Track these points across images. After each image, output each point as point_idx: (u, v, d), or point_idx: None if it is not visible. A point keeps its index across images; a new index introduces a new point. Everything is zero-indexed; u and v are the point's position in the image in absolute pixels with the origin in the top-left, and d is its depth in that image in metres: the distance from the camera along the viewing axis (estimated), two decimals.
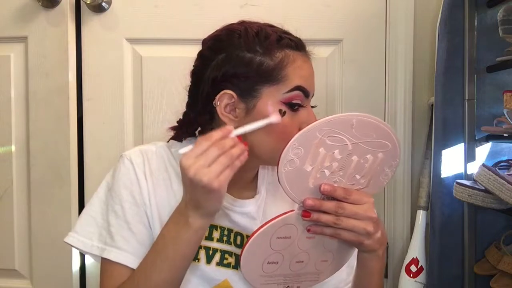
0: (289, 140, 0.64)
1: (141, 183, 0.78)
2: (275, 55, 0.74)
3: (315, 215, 0.68)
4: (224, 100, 0.74)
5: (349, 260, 0.79)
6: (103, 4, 1.24)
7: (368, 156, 0.68)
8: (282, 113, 0.73)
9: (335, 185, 0.68)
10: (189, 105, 0.82)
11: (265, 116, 0.73)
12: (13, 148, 1.27)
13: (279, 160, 0.65)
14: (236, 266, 0.81)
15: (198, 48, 0.81)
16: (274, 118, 0.72)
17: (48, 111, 1.25)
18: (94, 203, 0.81)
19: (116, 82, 1.27)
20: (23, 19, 1.24)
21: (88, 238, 0.78)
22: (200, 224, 0.68)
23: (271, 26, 0.78)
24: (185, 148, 0.66)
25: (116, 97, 1.27)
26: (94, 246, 0.77)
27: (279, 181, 0.66)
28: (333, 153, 0.66)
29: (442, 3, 1.17)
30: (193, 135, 0.83)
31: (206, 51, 0.78)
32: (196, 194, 0.65)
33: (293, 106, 0.74)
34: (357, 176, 0.69)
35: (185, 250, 0.70)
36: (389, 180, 0.72)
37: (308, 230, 0.70)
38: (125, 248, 0.76)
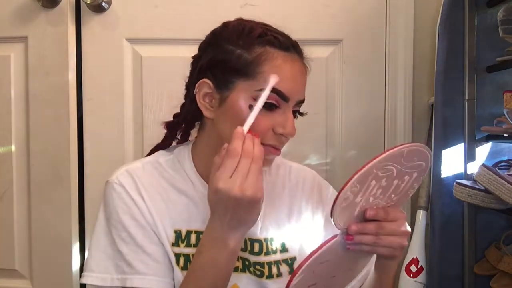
0: (348, 181, 0.63)
1: (138, 203, 0.77)
2: (254, 50, 0.73)
3: (357, 237, 0.69)
4: (204, 89, 0.75)
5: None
6: (103, 4, 1.24)
7: (405, 177, 0.69)
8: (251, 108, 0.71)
9: (374, 207, 0.69)
10: (185, 97, 0.84)
11: (237, 110, 0.72)
12: (13, 148, 1.27)
13: (336, 198, 0.64)
14: (244, 269, 0.81)
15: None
16: (273, 79, 0.70)
17: (48, 111, 1.24)
18: (99, 237, 0.78)
19: (116, 82, 1.27)
20: (23, 19, 1.23)
21: (106, 273, 0.76)
22: (237, 243, 0.69)
23: (265, 24, 0.78)
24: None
25: (116, 97, 1.27)
26: (115, 279, 0.75)
27: (331, 215, 0.66)
28: (381, 182, 0.66)
29: (442, 3, 1.17)
30: (185, 134, 0.87)
31: (202, 43, 0.80)
32: (240, 211, 0.66)
33: (268, 105, 0.72)
34: (393, 195, 0.70)
35: (225, 270, 0.70)
36: (414, 192, 0.73)
37: (348, 249, 0.70)
38: (146, 271, 0.75)
